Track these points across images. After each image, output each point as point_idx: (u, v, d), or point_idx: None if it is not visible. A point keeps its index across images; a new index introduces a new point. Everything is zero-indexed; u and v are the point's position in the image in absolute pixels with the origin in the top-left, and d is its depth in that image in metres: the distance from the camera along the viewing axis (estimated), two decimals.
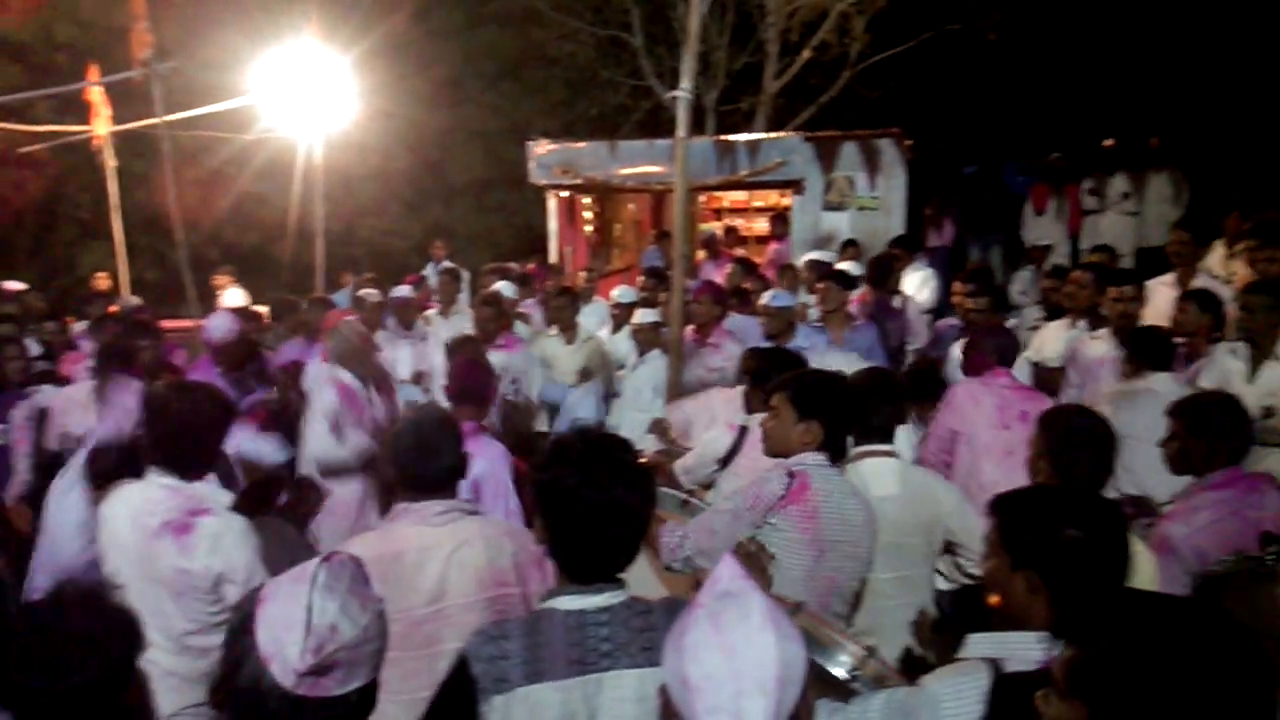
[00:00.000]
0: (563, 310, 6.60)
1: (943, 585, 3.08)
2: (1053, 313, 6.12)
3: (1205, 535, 2.96)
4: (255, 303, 9.41)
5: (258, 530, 2.84)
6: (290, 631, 1.34)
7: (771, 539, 2.78)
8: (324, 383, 4.81)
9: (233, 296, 9.98)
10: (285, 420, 4.88)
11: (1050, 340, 5.60)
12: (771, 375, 3.74)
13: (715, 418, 4.44)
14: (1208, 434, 3.10)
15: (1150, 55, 12.78)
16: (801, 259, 7.89)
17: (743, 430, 3.91)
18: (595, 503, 1.89)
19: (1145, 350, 4.38)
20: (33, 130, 10.02)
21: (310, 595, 1.36)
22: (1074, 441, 2.83)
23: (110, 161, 9.29)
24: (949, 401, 4.33)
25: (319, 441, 4.59)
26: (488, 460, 3.88)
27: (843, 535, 2.82)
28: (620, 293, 7.13)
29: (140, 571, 2.66)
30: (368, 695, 1.46)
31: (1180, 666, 1.29)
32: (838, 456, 2.94)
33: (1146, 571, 2.82)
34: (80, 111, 9.65)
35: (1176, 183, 9.98)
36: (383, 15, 12.01)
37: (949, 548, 3.15)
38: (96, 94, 9.19)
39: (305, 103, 8.65)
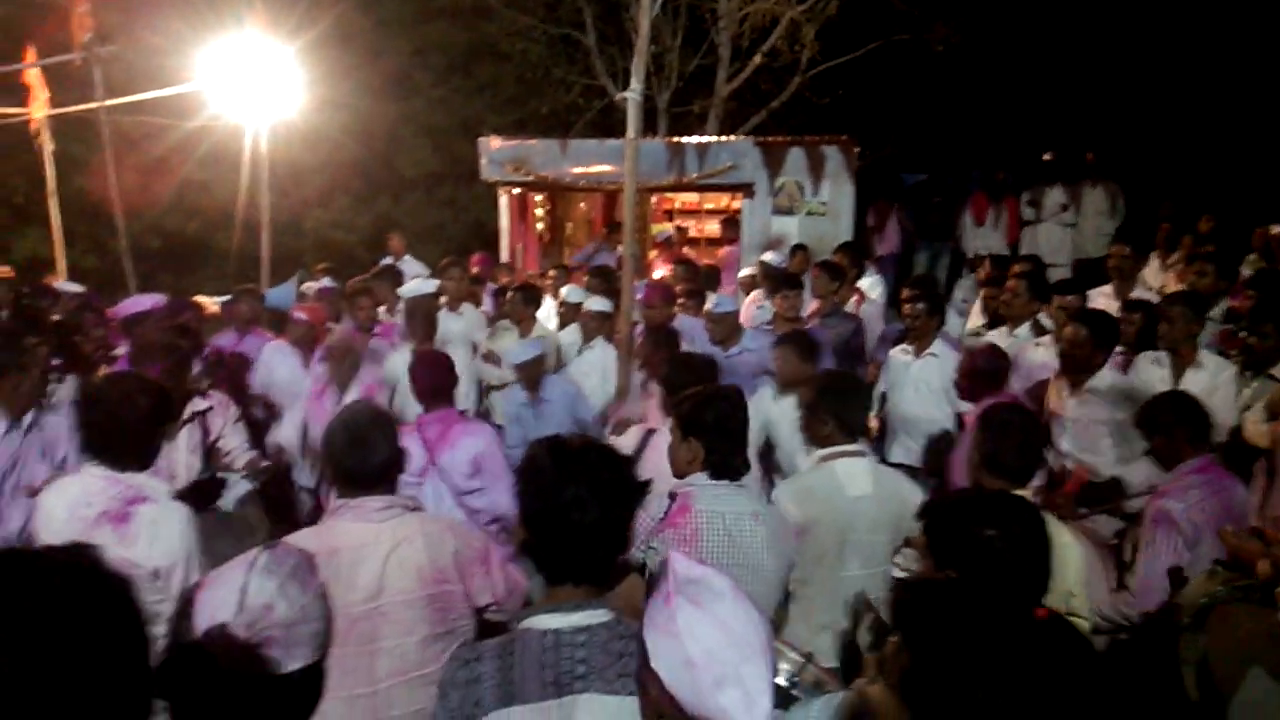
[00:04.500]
0: (521, 306, 6.61)
1: (898, 574, 3.16)
2: (993, 321, 6.28)
3: (1197, 511, 3.28)
4: (197, 294, 9.21)
5: (211, 525, 2.82)
6: (223, 610, 1.35)
7: (653, 563, 2.77)
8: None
9: None
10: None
11: None
12: (684, 382, 3.80)
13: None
14: (1163, 431, 3.50)
15: (1088, 71, 13.15)
16: (753, 260, 7.97)
17: (649, 432, 3.97)
18: (571, 516, 1.87)
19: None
20: None
21: (247, 577, 1.37)
22: (1003, 434, 3.01)
23: (48, 145, 9.03)
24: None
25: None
26: (484, 440, 4.08)
27: (731, 559, 2.76)
28: (568, 291, 7.15)
29: None
30: (312, 678, 1.45)
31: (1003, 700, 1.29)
32: (727, 475, 2.87)
33: (1074, 563, 2.93)
34: (17, 93, 9.36)
35: (1112, 195, 10.28)
36: (330, 3, 11.83)
37: (908, 540, 3.24)
38: (34, 76, 8.93)
39: (251, 90, 8.49)
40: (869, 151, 10.58)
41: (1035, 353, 5.27)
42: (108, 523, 2.65)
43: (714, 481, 2.84)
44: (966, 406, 4.98)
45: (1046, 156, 10.96)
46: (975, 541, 2.03)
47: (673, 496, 2.85)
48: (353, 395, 5.02)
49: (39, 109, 8.99)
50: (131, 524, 2.65)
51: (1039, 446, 3.07)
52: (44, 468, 3.96)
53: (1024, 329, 5.66)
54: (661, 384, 3.95)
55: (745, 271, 8.65)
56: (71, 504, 2.72)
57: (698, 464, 2.87)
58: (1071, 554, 2.96)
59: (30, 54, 8.91)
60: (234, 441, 4.60)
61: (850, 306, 6.67)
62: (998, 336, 5.75)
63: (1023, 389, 5.17)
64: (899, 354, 5.44)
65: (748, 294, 7.76)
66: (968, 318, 6.78)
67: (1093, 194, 10.30)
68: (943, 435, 5.09)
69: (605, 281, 7.19)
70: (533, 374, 5.40)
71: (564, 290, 7.28)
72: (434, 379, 4.16)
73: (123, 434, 2.76)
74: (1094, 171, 10.40)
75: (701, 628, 1.36)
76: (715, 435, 2.86)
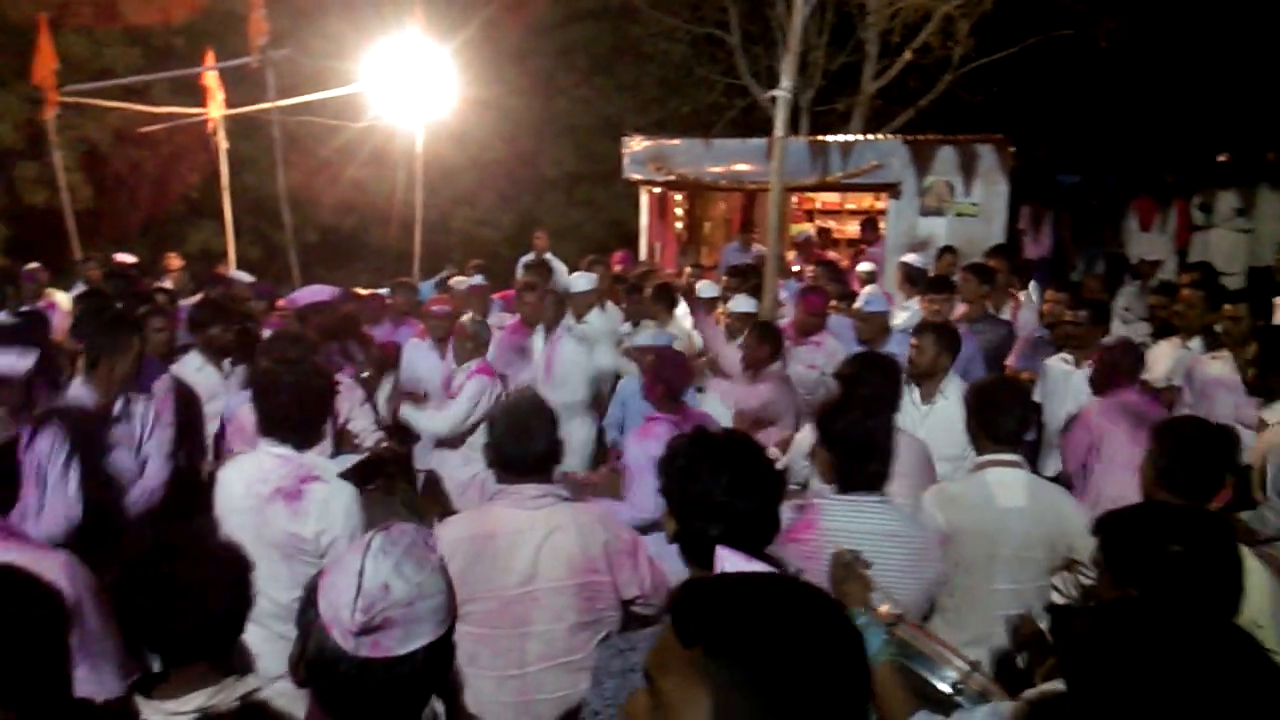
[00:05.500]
0: (656, 305, 6.66)
1: (1058, 600, 3.01)
2: (1160, 330, 5.92)
3: None
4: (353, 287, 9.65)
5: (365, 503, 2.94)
6: (344, 595, 1.37)
7: None
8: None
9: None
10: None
11: (1160, 359, 5.41)
12: (863, 381, 3.70)
13: None
14: None
15: (1266, 66, 12.21)
16: (896, 261, 7.79)
17: None
18: (720, 502, 1.91)
19: None
20: (150, 111, 10.43)
21: (363, 560, 1.39)
22: (1182, 453, 2.83)
23: (222, 143, 9.64)
24: (1084, 419, 4.37)
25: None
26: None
27: None
28: (703, 288, 7.20)
29: (254, 535, 2.76)
30: (439, 655, 1.45)
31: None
32: (856, 487, 2.70)
33: (1260, 591, 2.73)
34: (195, 94, 10.03)
35: None
36: (481, 6, 12.17)
37: (1069, 565, 3.08)
38: (212, 78, 9.54)
39: (409, 92, 8.82)
40: (1022, 152, 10.14)
41: (1211, 366, 4.94)
42: (281, 499, 2.81)
43: (845, 496, 2.71)
44: None
45: (1221, 158, 10.26)
46: (1160, 558, 1.90)
47: (801, 509, 2.75)
48: (461, 375, 5.19)
49: (216, 109, 9.61)
50: (304, 501, 2.79)
51: (1222, 462, 2.84)
52: (128, 457, 3.88)
53: (1196, 341, 5.32)
54: (839, 382, 3.87)
55: (864, 266, 8.48)
56: (248, 480, 2.89)
57: (830, 474, 2.77)
58: (1256, 580, 2.74)
59: (209, 57, 9.53)
60: (362, 423, 4.75)
61: (1006, 313, 6.41)
62: (1168, 348, 5.42)
63: (1195, 404, 4.88)
64: (1058, 363, 5.19)
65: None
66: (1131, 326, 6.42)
67: (1271, 198, 9.61)
68: None
69: (745, 281, 7.17)
70: None
71: (699, 286, 7.31)
72: (683, 379, 4.26)
73: (300, 416, 2.93)
74: (1273, 173, 9.68)
75: None
76: (844, 446, 2.73)
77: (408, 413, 5.17)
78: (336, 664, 1.37)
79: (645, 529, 3.85)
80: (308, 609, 1.43)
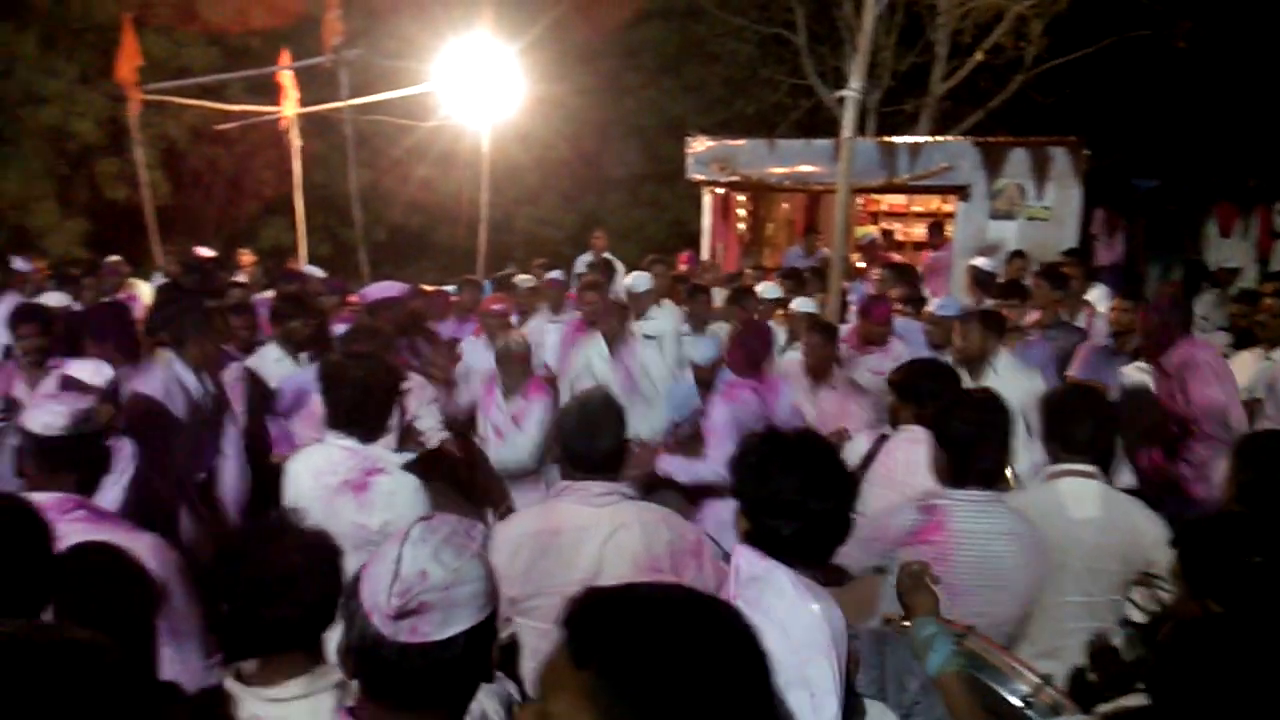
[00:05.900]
0: (731, 308, 6.67)
1: (1136, 616, 2.92)
2: (1240, 340, 5.73)
3: None
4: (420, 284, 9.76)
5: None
6: (382, 580, 1.39)
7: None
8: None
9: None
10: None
11: (1240, 370, 5.23)
12: (918, 389, 3.65)
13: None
14: None
15: None
16: (966, 264, 7.65)
17: (881, 438, 3.82)
18: (792, 501, 1.88)
19: None
20: (226, 109, 10.70)
21: (401, 549, 1.41)
22: (1265, 469, 2.79)
23: (295, 141, 9.85)
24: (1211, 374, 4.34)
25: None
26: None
27: (984, 580, 2.62)
28: (765, 289, 7.17)
29: (322, 526, 2.82)
30: (480, 641, 1.44)
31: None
32: (972, 483, 2.69)
33: None
34: (270, 93, 10.27)
35: None
36: (549, 6, 12.25)
37: (1145, 579, 3.00)
38: (286, 77, 9.75)
39: (477, 92, 8.93)
40: (1097, 155, 9.89)
41: None
42: (349, 491, 2.87)
43: (966, 494, 2.70)
44: None
45: None
46: (1238, 568, 1.86)
47: (925, 510, 2.73)
48: (518, 400, 4.85)
49: (290, 108, 9.82)
50: (370, 492, 2.85)
51: None
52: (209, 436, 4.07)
53: (1279, 352, 5.14)
54: (893, 389, 3.82)
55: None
56: (316, 472, 2.95)
57: (945, 476, 2.76)
58: None
59: (284, 57, 9.74)
60: (429, 422, 4.79)
61: (1081, 320, 6.25)
62: (1250, 359, 5.25)
63: (1277, 416, 4.72)
64: (1134, 372, 5.05)
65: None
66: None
67: None
68: None
69: (800, 285, 7.13)
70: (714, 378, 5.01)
71: (760, 287, 7.29)
72: (765, 349, 4.49)
73: (366, 409, 2.98)
74: None
75: (763, 635, 1.30)
76: (959, 443, 2.73)
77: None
78: (377, 650, 1.39)
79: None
80: (350, 599, 1.44)
